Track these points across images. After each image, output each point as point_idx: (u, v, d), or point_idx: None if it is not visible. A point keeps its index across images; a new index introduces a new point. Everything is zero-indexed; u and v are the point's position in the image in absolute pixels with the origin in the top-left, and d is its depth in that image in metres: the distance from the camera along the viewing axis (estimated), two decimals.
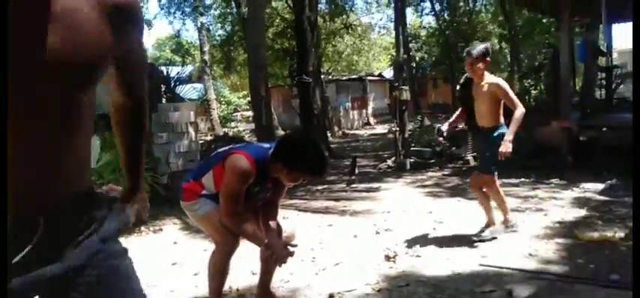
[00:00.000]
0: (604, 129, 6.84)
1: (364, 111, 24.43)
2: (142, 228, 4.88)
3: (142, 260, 3.81)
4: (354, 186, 7.05)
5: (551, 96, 7.94)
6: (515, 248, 3.53)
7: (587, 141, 7.23)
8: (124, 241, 3.74)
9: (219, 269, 2.51)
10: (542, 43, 15.48)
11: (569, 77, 8.04)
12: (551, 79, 7.87)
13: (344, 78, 24.26)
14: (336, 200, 6.02)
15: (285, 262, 2.34)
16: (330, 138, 15.08)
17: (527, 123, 5.01)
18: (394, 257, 3.45)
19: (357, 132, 21.07)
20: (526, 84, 12.74)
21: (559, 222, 4.17)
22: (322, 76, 16.92)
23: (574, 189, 5.62)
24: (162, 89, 9.16)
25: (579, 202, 4.93)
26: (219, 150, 2.53)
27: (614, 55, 10.96)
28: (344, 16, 19.44)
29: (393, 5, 16.51)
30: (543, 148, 7.08)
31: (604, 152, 6.44)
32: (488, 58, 3.66)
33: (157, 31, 67.44)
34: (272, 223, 2.48)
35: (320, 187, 7.23)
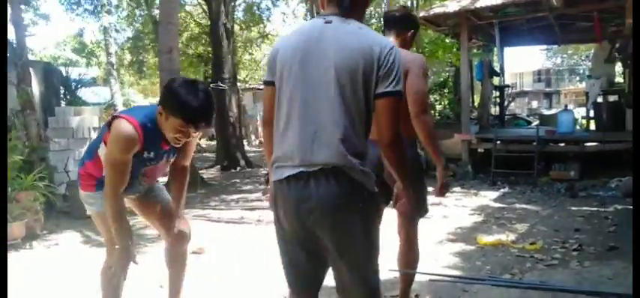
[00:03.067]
0: (498, 142, 7.55)
1: None
2: (34, 243, 4.40)
3: (34, 279, 3.43)
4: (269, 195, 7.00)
5: (453, 111, 8.58)
6: (422, 252, 3.73)
7: (484, 152, 7.93)
8: (13, 258, 3.39)
9: (110, 280, 2.27)
10: (445, 61, 16.69)
11: (468, 94, 8.77)
12: (453, 95, 8.51)
13: (261, 87, 24.12)
14: (252, 209, 5.94)
15: (118, 267, 2.14)
16: (247, 147, 14.87)
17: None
18: None
19: None
20: (432, 99, 13.63)
21: (460, 228, 4.50)
22: (239, 84, 16.66)
23: (473, 196, 6.10)
24: (62, 91, 8.42)
25: (478, 209, 5.37)
26: (107, 119, 2.30)
27: (506, 76, 12.15)
28: (261, 26, 19.38)
29: (309, 18, 16.80)
30: (447, 159, 7.64)
31: (497, 163, 7.10)
32: None
33: (57, 29, 61.84)
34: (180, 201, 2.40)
35: (235, 197, 7.09)
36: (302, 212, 1.50)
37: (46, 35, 33.99)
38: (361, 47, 1.49)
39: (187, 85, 1.96)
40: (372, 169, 1.54)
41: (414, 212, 2.00)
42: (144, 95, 25.33)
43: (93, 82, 12.01)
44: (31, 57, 8.78)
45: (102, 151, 2.14)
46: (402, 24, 2.41)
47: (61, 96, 8.39)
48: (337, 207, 1.47)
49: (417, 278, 3.18)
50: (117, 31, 20.76)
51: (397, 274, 3.24)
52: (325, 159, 1.46)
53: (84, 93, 9.03)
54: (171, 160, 2.27)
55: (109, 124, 2.07)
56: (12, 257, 4.04)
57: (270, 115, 1.63)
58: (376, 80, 1.48)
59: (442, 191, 2.35)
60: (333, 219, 1.49)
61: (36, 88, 6.85)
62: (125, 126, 1.98)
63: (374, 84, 1.48)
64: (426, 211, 2.49)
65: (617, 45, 7.99)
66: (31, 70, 6.48)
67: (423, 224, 4.64)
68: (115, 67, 18.12)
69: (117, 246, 2.11)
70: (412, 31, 2.44)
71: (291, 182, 1.51)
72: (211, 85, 11.42)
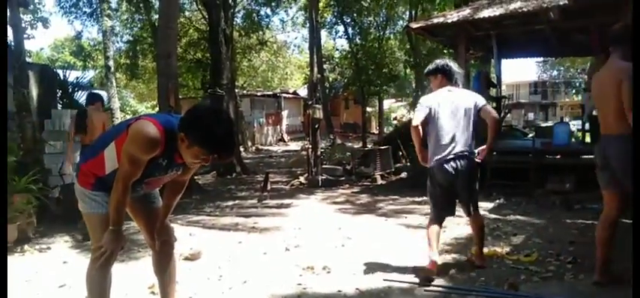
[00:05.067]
0: (494, 153, 7.55)
1: (278, 127, 24.50)
2: (26, 247, 4.36)
3: (25, 283, 3.40)
4: (265, 202, 6.99)
5: None
6: (417, 263, 3.73)
7: (480, 163, 7.91)
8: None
9: (97, 283, 2.25)
10: None
11: None
12: None
13: (259, 93, 24.16)
14: (247, 216, 5.91)
15: (108, 248, 2.13)
16: (244, 153, 14.86)
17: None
18: (304, 274, 3.45)
19: (270, 148, 21.02)
20: None
21: (455, 238, 4.49)
22: (237, 90, 16.67)
23: None
24: (58, 94, 8.39)
25: None
26: (123, 120, 2.33)
27: (503, 87, 12.21)
28: (260, 33, 19.45)
29: (308, 26, 16.87)
30: None
31: (493, 174, 7.10)
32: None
33: (55, 31, 61.86)
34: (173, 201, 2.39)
35: (230, 203, 7.07)
36: (450, 172, 3.34)
37: (43, 35, 34.00)
38: (470, 99, 3.44)
39: (211, 115, 1.98)
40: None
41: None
42: (139, 100, 25.30)
43: (90, 85, 11.94)
44: (28, 59, 8.75)
45: (109, 151, 2.13)
46: (617, 41, 3.02)
47: (58, 98, 8.36)
48: (465, 169, 3.35)
49: (413, 287, 3.17)
50: (116, 34, 20.78)
51: (392, 284, 3.24)
52: (460, 149, 3.34)
53: (81, 96, 8.99)
54: (178, 174, 2.27)
55: (127, 126, 2.07)
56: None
57: (423, 129, 3.44)
58: (476, 110, 3.40)
59: None
60: (463, 174, 3.35)
61: (33, 91, 6.83)
62: (151, 129, 2.00)
63: (475, 112, 3.39)
64: None
65: None
66: (28, 72, 6.46)
67: (418, 235, 4.65)
68: (111, 70, 18.09)
69: (111, 228, 2.11)
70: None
71: (445, 161, 3.35)
72: (209, 91, 11.43)
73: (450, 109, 3.37)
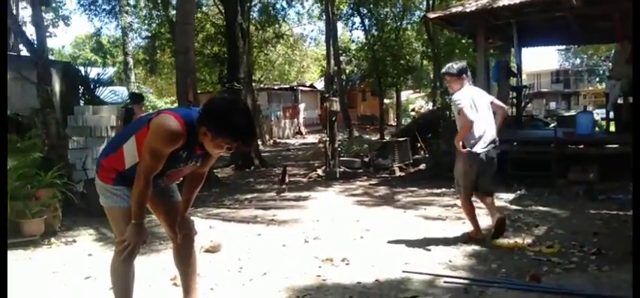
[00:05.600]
0: (515, 143, 7.43)
1: (296, 120, 24.55)
2: (53, 240, 4.48)
3: (52, 275, 3.50)
4: (283, 194, 7.02)
5: None
6: (436, 254, 3.71)
7: (500, 154, 7.80)
8: (32, 254, 3.44)
9: (120, 275, 2.31)
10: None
11: None
12: None
13: (276, 87, 24.21)
14: (265, 209, 5.96)
15: (131, 242, 2.17)
16: (262, 147, 14.94)
17: (449, 136, 5.32)
18: (323, 265, 3.46)
19: (288, 140, 21.09)
20: (448, 100, 13.51)
21: None
22: (254, 84, 16.74)
23: None
24: (81, 90, 8.55)
25: None
26: (143, 115, 2.37)
27: (524, 76, 11.97)
28: (276, 26, 19.45)
29: (324, 18, 16.79)
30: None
31: (514, 165, 6.98)
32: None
33: (76, 29, 63.09)
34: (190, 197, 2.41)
35: (249, 196, 7.13)
36: (482, 159, 3.91)
37: (65, 33, 34.76)
38: (486, 95, 4.25)
39: (229, 106, 2.05)
40: None
41: None
42: (158, 95, 25.64)
43: (111, 82, 12.13)
44: (51, 57, 8.94)
45: (128, 146, 2.17)
46: None
47: (80, 95, 8.52)
48: (494, 156, 4.03)
49: (432, 279, 3.16)
50: (134, 31, 21.06)
51: (410, 275, 3.23)
52: (491, 139, 3.97)
53: (102, 92, 9.15)
54: (197, 165, 2.30)
55: (148, 120, 2.11)
56: (30, 253, 4.13)
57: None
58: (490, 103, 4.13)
59: None
60: (491, 161, 4.02)
61: (56, 88, 6.98)
62: (173, 122, 2.04)
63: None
64: None
65: None
66: (51, 69, 6.60)
67: (439, 226, 4.62)
68: (130, 66, 18.37)
69: (133, 222, 2.15)
70: None
71: (481, 149, 3.91)
72: (226, 85, 11.50)
73: (481, 104, 3.96)
